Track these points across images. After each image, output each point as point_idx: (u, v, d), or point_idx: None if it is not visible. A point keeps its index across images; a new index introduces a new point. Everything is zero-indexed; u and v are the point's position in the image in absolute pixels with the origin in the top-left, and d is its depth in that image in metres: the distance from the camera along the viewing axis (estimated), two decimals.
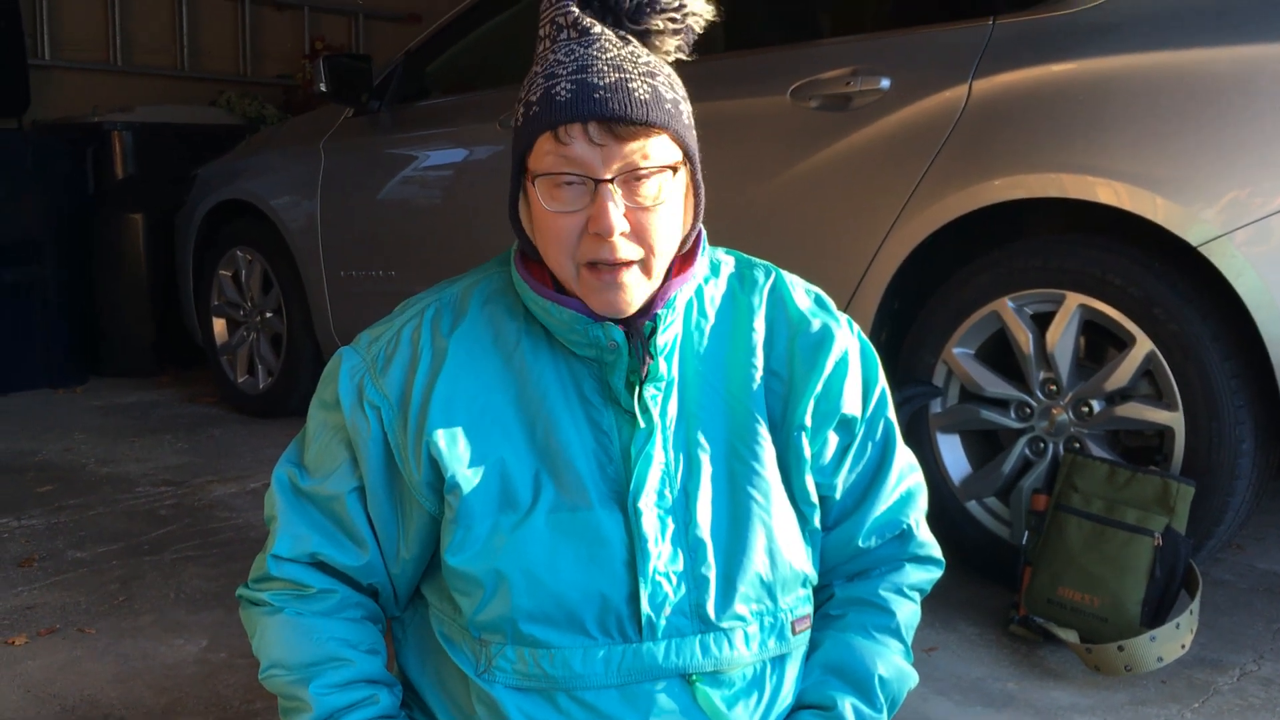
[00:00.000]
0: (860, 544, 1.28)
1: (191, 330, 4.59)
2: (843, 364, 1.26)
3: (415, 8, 6.91)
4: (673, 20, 1.16)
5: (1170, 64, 2.15)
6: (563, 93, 1.09)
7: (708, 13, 1.19)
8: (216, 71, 6.39)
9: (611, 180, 1.10)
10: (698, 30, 1.20)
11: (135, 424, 4.18)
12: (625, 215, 1.10)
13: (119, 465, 3.57)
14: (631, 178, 1.10)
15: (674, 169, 1.13)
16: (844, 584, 1.31)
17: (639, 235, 1.12)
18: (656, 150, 1.11)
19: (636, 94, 1.09)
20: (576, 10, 1.14)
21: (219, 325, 4.40)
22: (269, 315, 4.21)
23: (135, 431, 4.05)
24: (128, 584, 2.55)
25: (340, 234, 3.81)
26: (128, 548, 2.79)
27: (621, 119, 1.08)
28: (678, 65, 1.21)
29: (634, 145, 1.10)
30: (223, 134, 5.24)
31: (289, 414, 4.11)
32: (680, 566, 1.17)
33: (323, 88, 3.62)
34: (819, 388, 1.24)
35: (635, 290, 1.14)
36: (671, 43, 1.18)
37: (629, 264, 1.12)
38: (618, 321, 1.16)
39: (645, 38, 1.17)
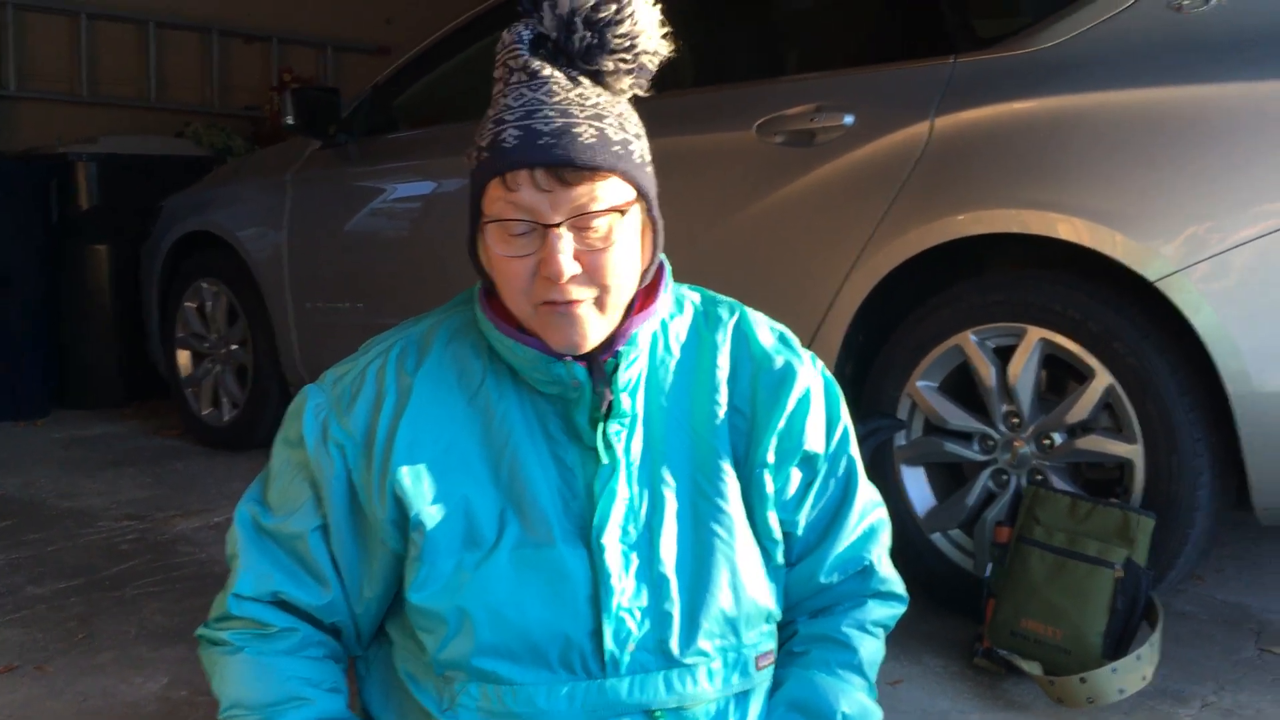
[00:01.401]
0: (823, 580, 1.29)
1: (156, 362, 4.56)
2: (805, 401, 1.27)
3: (384, 40, 6.93)
4: (624, 61, 1.15)
5: (1128, 102, 2.19)
6: (509, 139, 1.10)
7: (663, 50, 1.18)
8: (184, 102, 6.38)
9: (560, 225, 1.10)
10: (652, 69, 1.19)
11: (98, 457, 4.14)
12: (576, 257, 1.11)
13: (80, 499, 3.53)
14: (582, 222, 1.11)
15: (623, 210, 1.13)
16: (807, 620, 1.31)
17: (591, 275, 1.13)
18: (605, 192, 1.12)
19: (582, 138, 1.10)
20: (527, 54, 1.14)
21: (184, 357, 4.37)
22: (234, 347, 4.18)
23: (98, 465, 4.01)
24: (88, 621, 2.52)
25: (307, 266, 3.80)
26: (88, 583, 2.76)
27: (566, 164, 1.09)
28: (643, 100, 1.21)
29: (581, 189, 1.10)
30: (189, 165, 5.22)
31: (254, 447, 4.08)
32: (644, 602, 1.18)
33: (290, 120, 3.63)
34: (782, 424, 1.25)
35: (591, 326, 1.15)
36: (625, 81, 1.18)
37: (584, 302, 1.13)
38: (580, 359, 1.17)
39: (598, 78, 1.16)
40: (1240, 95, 2.08)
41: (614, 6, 1.13)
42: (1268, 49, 2.10)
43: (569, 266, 1.10)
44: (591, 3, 1.13)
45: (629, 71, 1.17)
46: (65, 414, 4.94)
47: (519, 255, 1.12)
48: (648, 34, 1.16)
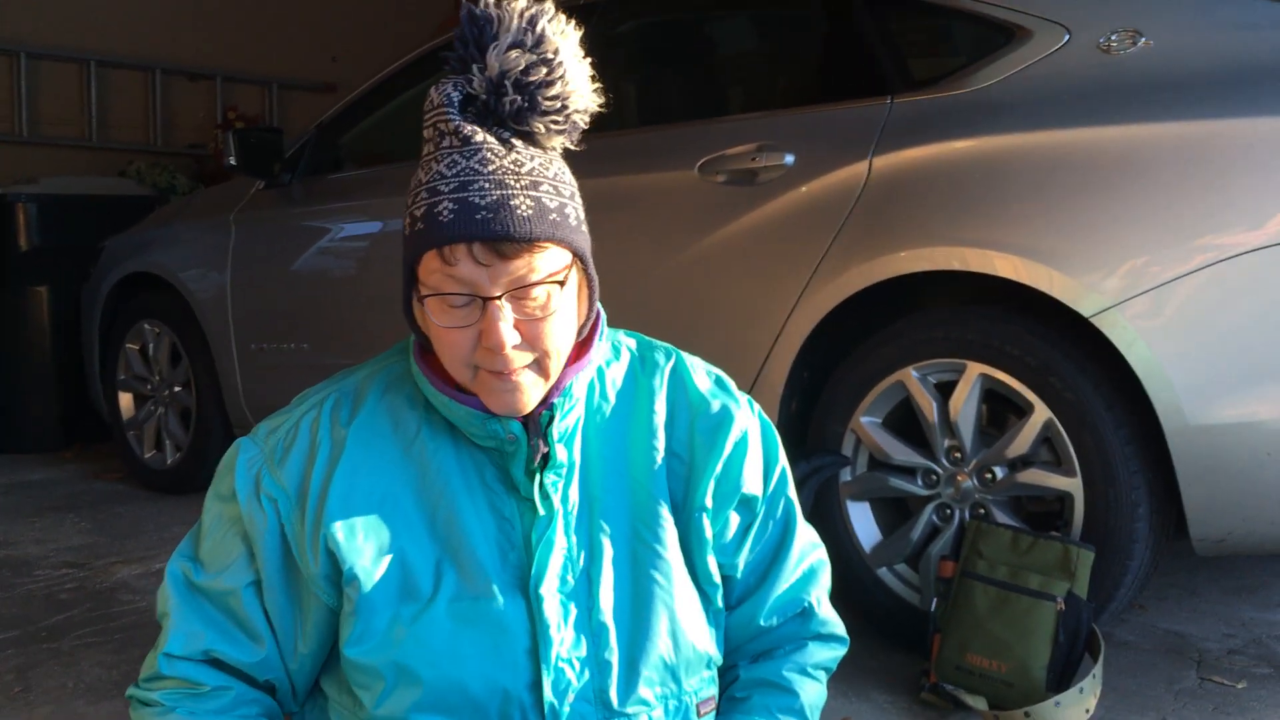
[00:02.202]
0: (762, 623, 1.29)
1: (97, 405, 4.49)
2: (742, 444, 1.27)
3: (329, 78, 6.91)
4: (555, 123, 1.13)
5: (1061, 142, 2.24)
6: (445, 213, 1.08)
7: (593, 105, 1.16)
8: (126, 141, 6.32)
9: (500, 297, 1.09)
10: (583, 125, 1.17)
11: (36, 502, 4.06)
12: (516, 326, 1.10)
13: (18, 547, 3.46)
14: (520, 292, 1.10)
15: (562, 282, 1.12)
16: (748, 665, 1.31)
17: (531, 343, 1.12)
18: (543, 262, 1.11)
19: (519, 211, 1.08)
20: (457, 118, 1.11)
21: (125, 400, 4.31)
22: (177, 389, 4.13)
23: (36, 510, 3.93)
24: (24, 674, 2.46)
25: (251, 306, 3.77)
26: (24, 635, 2.70)
27: (505, 238, 1.07)
28: (585, 138, 1.19)
29: (520, 262, 1.09)
30: (132, 205, 5.15)
31: (198, 489, 3.99)
32: (583, 652, 1.17)
33: (232, 161, 3.60)
34: (719, 468, 1.25)
35: (531, 391, 1.14)
36: (556, 140, 1.16)
37: (524, 368, 1.13)
38: None
39: (529, 138, 1.14)
40: (1169, 135, 2.13)
41: (544, 69, 1.11)
42: (1194, 90, 2.16)
43: (510, 336, 1.10)
44: (521, 66, 1.10)
45: (560, 131, 1.15)
46: (3, 458, 4.85)
47: (459, 326, 1.12)
48: (578, 92, 1.14)
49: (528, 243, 1.09)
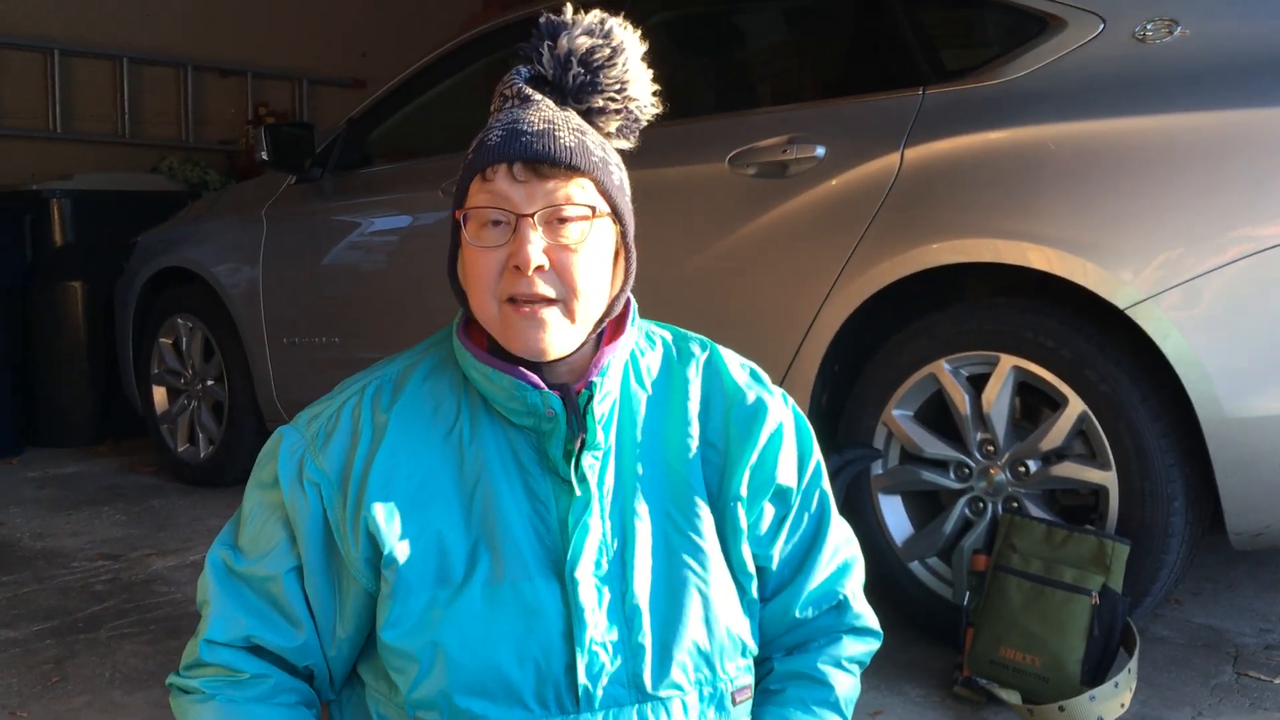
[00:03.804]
0: (797, 615, 1.29)
1: (131, 399, 4.53)
2: (777, 436, 1.28)
3: (359, 73, 6.95)
4: (613, 100, 1.22)
5: (1096, 132, 2.22)
6: (493, 139, 1.16)
7: (651, 103, 1.25)
8: (158, 137, 6.36)
9: (532, 216, 1.14)
10: (640, 117, 1.25)
11: (72, 496, 4.11)
12: (546, 252, 1.14)
13: (54, 539, 3.50)
14: (554, 217, 1.15)
15: (596, 211, 1.17)
16: (783, 658, 1.31)
17: (559, 274, 1.15)
18: (580, 194, 1.16)
19: (562, 140, 1.15)
20: (522, 83, 1.21)
21: (159, 394, 4.35)
22: (210, 383, 4.17)
23: (72, 504, 3.98)
24: (62, 664, 2.49)
25: (283, 301, 3.80)
26: (62, 626, 2.73)
27: (544, 159, 1.14)
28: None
29: (556, 185, 1.15)
30: (164, 200, 5.19)
31: (231, 483, 4.06)
32: (616, 636, 1.18)
33: (264, 156, 3.63)
34: (754, 459, 1.26)
35: (555, 331, 1.16)
36: (613, 123, 1.23)
37: (549, 302, 1.15)
38: (554, 388, 1.18)
39: (588, 117, 1.22)
40: (1205, 124, 2.11)
41: (608, 52, 1.21)
42: (1231, 79, 2.13)
43: (536, 256, 1.13)
44: (588, 46, 1.21)
45: (617, 112, 1.23)
46: (39, 452, 4.90)
47: (490, 246, 1.15)
48: (637, 82, 1.24)
49: (567, 168, 1.14)
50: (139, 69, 6.29)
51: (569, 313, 1.16)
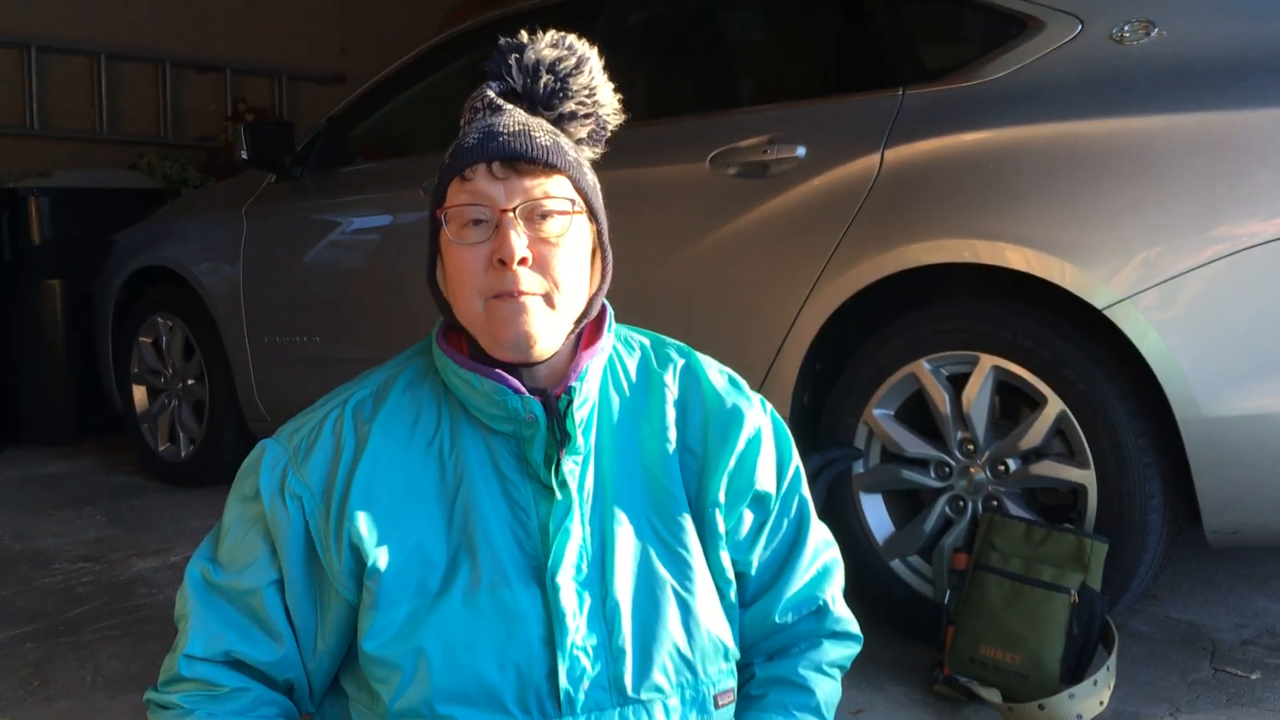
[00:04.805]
0: (777, 620, 1.30)
1: (111, 398, 4.51)
2: (755, 441, 1.29)
3: (339, 69, 6.92)
4: (583, 104, 1.25)
5: (1073, 134, 2.23)
6: (470, 141, 1.18)
7: (616, 109, 1.28)
8: (137, 134, 6.31)
9: (514, 210, 1.16)
10: (607, 123, 1.27)
11: (52, 495, 4.09)
12: (529, 247, 1.16)
13: (34, 540, 3.48)
14: (534, 212, 1.17)
15: (575, 205, 1.20)
16: (764, 663, 1.32)
17: (541, 268, 1.17)
18: (558, 190, 1.19)
19: (539, 139, 1.18)
20: (493, 94, 1.23)
21: (139, 393, 4.33)
22: (191, 382, 4.15)
23: (53, 503, 3.96)
24: (42, 668, 2.49)
25: (264, 299, 3.78)
26: (43, 629, 2.72)
27: (522, 156, 1.16)
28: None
29: (535, 181, 1.17)
30: (143, 197, 5.16)
31: (212, 482, 4.04)
32: (597, 640, 1.19)
33: (244, 155, 3.61)
34: (732, 464, 1.27)
35: (539, 321, 1.17)
36: (583, 129, 1.26)
37: (533, 295, 1.17)
38: (534, 392, 1.18)
39: (559, 124, 1.24)
40: (1182, 126, 2.13)
41: (573, 60, 1.24)
42: (1207, 81, 2.15)
43: (520, 249, 1.15)
44: (554, 56, 1.24)
45: (587, 117, 1.25)
46: (19, 452, 4.88)
47: (473, 243, 1.17)
48: (603, 89, 1.27)
49: (544, 165, 1.17)
50: (117, 65, 6.24)
51: (551, 304, 1.18)
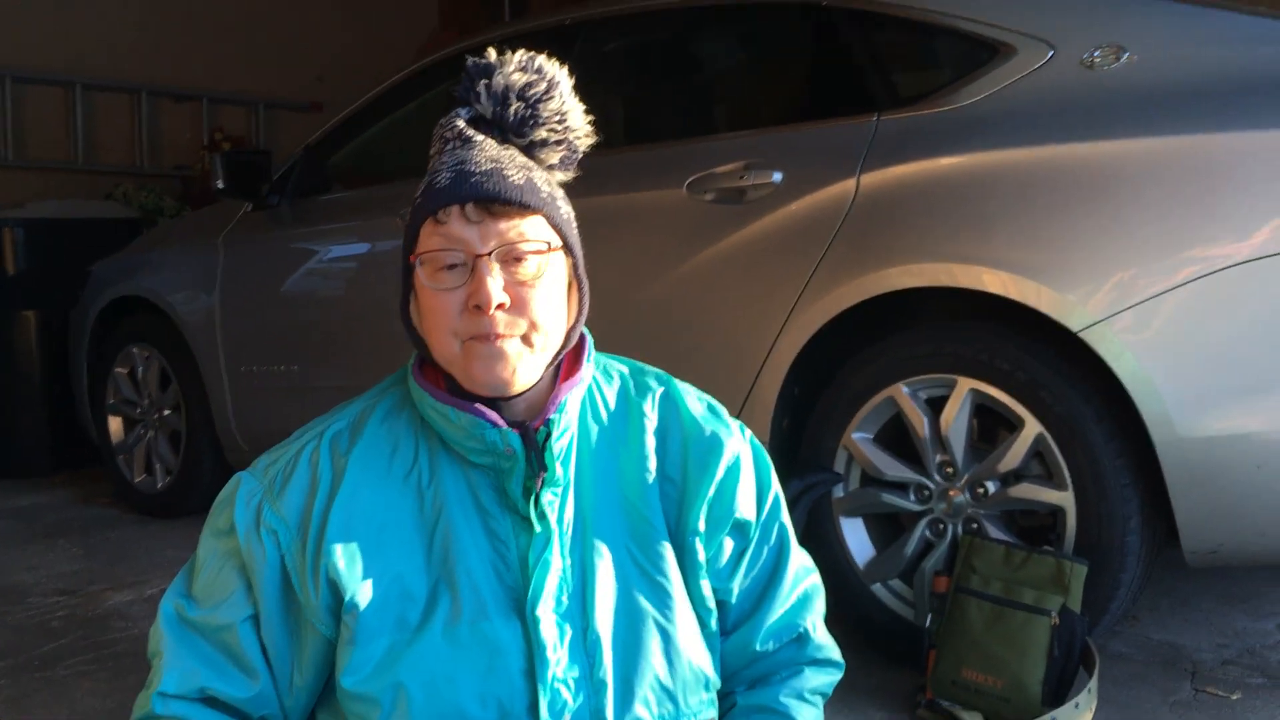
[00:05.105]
0: (758, 648, 1.30)
1: (87, 429, 4.47)
2: (735, 468, 1.28)
3: (316, 97, 6.91)
4: (554, 131, 1.23)
5: (1047, 158, 2.25)
6: (442, 181, 1.16)
7: (588, 133, 1.26)
8: (113, 164, 6.29)
9: (489, 254, 1.15)
10: (579, 148, 1.26)
11: (27, 528, 4.04)
12: (505, 290, 1.15)
13: (8, 574, 3.44)
14: (509, 255, 1.16)
15: (550, 246, 1.18)
16: (745, 691, 1.32)
17: (518, 310, 1.16)
18: (533, 231, 1.17)
19: (511, 179, 1.16)
20: (462, 124, 1.21)
21: (115, 424, 4.30)
22: (167, 413, 4.12)
23: (26, 537, 3.91)
24: (17, 703, 2.45)
25: (241, 329, 3.77)
26: (16, 665, 2.68)
27: (496, 197, 1.15)
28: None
29: (509, 224, 1.16)
30: (119, 227, 5.14)
31: (188, 513, 4.01)
32: (578, 673, 1.18)
33: (220, 184, 3.60)
34: (712, 492, 1.26)
35: (518, 362, 1.17)
36: (555, 155, 1.25)
37: (510, 337, 1.16)
38: (513, 425, 1.17)
39: (530, 151, 1.23)
40: (1154, 150, 2.15)
41: (544, 86, 1.22)
42: (1178, 105, 2.17)
43: (497, 294, 1.14)
44: (524, 81, 1.22)
45: (559, 143, 1.24)
46: None
47: (449, 288, 1.16)
48: (574, 113, 1.25)
49: (518, 206, 1.15)
50: (92, 95, 6.23)
51: (529, 344, 1.17)
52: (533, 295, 1.16)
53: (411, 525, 1.20)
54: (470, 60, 1.24)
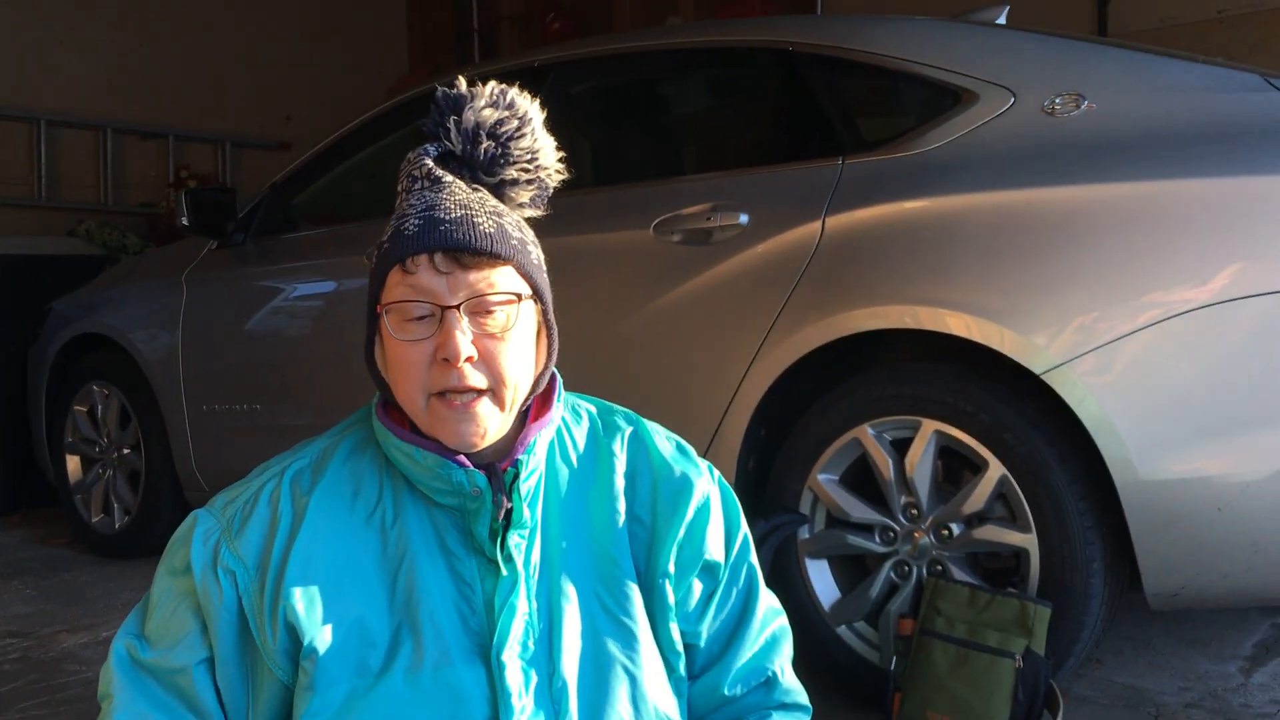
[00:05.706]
0: (726, 692, 1.29)
1: (44, 468, 4.40)
2: (704, 510, 1.27)
3: (284, 136, 6.90)
4: (525, 170, 1.22)
5: (1009, 203, 2.28)
6: (410, 228, 1.14)
7: (559, 171, 1.25)
8: (76, 200, 6.24)
9: (458, 307, 1.13)
10: (550, 185, 1.25)
11: None
12: (473, 343, 1.13)
13: None
14: (479, 307, 1.14)
15: (520, 297, 1.16)
16: None
17: (487, 363, 1.14)
18: (502, 281, 1.15)
19: (481, 227, 1.14)
20: (431, 163, 1.19)
21: (73, 463, 4.23)
22: (126, 451, 4.06)
23: None
24: None
25: (203, 367, 3.73)
26: None
27: (465, 248, 1.12)
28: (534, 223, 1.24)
29: (479, 275, 1.14)
30: (81, 265, 5.09)
31: (146, 554, 3.94)
32: (543, 719, 1.16)
33: (185, 221, 3.58)
34: (682, 533, 1.25)
35: (487, 421, 1.15)
36: (525, 194, 1.23)
37: (479, 394, 1.14)
38: (480, 467, 1.16)
39: (500, 190, 1.21)
40: (1114, 196, 2.18)
41: (516, 123, 1.21)
42: (1137, 152, 2.21)
43: (465, 347, 1.12)
44: (495, 118, 1.19)
45: (530, 182, 1.22)
46: None
47: (416, 339, 1.14)
48: (546, 151, 1.24)
49: (488, 256, 1.13)
50: (57, 131, 6.18)
51: (499, 401, 1.16)
52: (501, 350, 1.15)
53: (374, 567, 1.18)
54: (440, 91, 1.22)
